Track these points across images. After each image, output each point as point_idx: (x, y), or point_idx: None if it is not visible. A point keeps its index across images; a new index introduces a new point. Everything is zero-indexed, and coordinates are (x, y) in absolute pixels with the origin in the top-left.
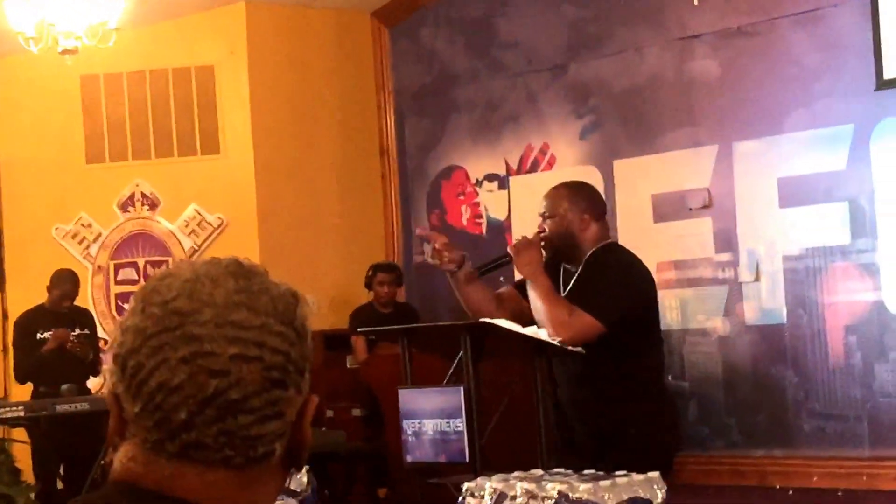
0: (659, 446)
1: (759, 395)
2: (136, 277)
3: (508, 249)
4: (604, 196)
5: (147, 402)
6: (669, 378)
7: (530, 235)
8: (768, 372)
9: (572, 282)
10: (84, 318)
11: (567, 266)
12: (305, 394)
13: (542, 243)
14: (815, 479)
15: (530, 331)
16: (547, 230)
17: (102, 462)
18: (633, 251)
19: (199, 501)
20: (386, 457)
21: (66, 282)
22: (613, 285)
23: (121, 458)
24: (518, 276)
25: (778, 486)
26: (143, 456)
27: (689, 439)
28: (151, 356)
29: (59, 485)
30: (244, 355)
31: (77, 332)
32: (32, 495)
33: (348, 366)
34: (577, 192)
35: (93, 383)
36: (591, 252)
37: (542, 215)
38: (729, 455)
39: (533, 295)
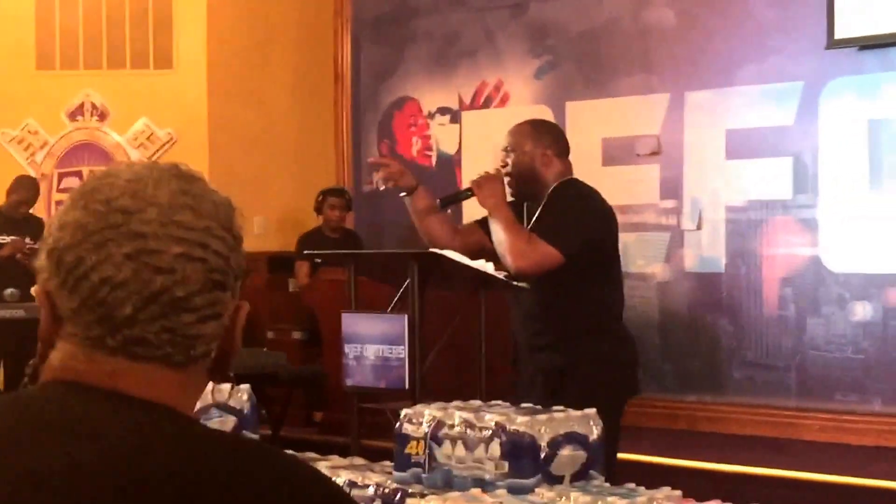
0: (609, 386)
1: (694, 342)
2: None
3: (470, 183)
4: None
5: (88, 298)
6: None
7: (492, 170)
8: (704, 319)
9: (535, 216)
10: (37, 228)
11: (530, 204)
12: (237, 301)
13: (506, 178)
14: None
15: (477, 264)
16: (509, 165)
17: (32, 361)
18: None
19: (145, 398)
20: (323, 380)
21: (26, 188)
22: (573, 216)
23: (59, 356)
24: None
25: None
26: (82, 353)
27: None
28: (94, 251)
29: (0, 385)
30: (189, 255)
31: (29, 241)
32: None
33: (290, 289)
34: (540, 128)
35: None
36: (552, 187)
37: (505, 150)
38: (661, 399)
39: (495, 227)
